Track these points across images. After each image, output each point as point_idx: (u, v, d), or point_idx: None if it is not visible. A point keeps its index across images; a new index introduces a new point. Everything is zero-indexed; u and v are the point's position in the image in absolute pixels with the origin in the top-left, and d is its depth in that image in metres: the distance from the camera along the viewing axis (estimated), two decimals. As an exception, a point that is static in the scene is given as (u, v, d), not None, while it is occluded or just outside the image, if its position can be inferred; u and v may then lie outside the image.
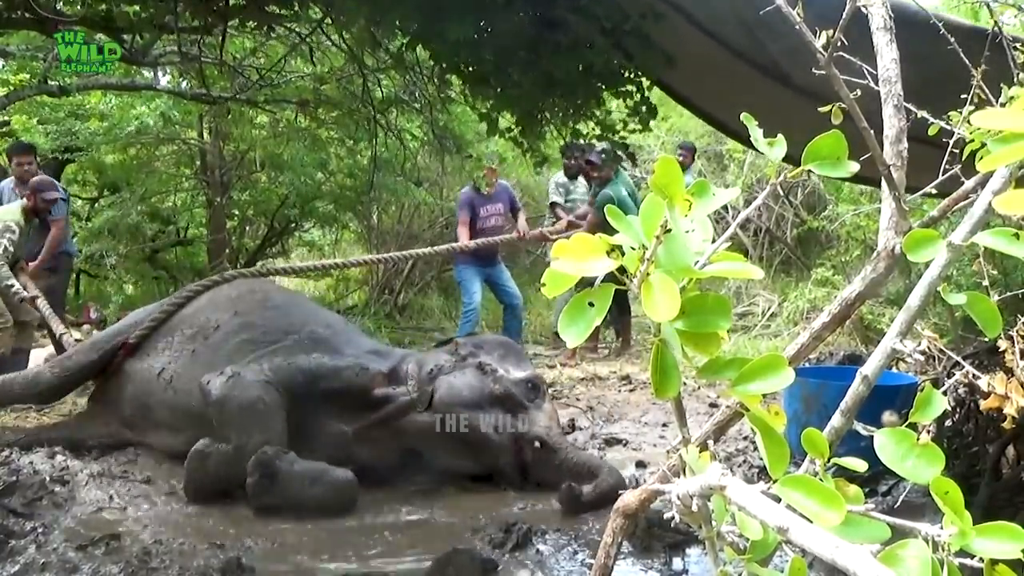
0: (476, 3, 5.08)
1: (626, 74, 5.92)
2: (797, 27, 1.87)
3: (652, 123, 6.56)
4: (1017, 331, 2.57)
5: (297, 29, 7.93)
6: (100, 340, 5.66)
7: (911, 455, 1.22)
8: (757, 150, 1.44)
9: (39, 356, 7.30)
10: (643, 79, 5.97)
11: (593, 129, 6.65)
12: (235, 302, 5.38)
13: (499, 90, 6.07)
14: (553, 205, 10.03)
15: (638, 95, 6.06)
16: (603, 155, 8.11)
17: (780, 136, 1.48)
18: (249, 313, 5.26)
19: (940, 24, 2.90)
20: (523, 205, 9.83)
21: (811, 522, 1.00)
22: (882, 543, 1.00)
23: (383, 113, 9.02)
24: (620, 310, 8.93)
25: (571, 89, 5.95)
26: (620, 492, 2.15)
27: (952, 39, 2.72)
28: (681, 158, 9.97)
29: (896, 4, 2.40)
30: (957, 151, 2.16)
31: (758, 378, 1.19)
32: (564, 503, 4.29)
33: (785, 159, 1.46)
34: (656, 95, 6.34)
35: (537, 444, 4.64)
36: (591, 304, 1.17)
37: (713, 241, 1.25)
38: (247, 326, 5.16)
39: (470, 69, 6.09)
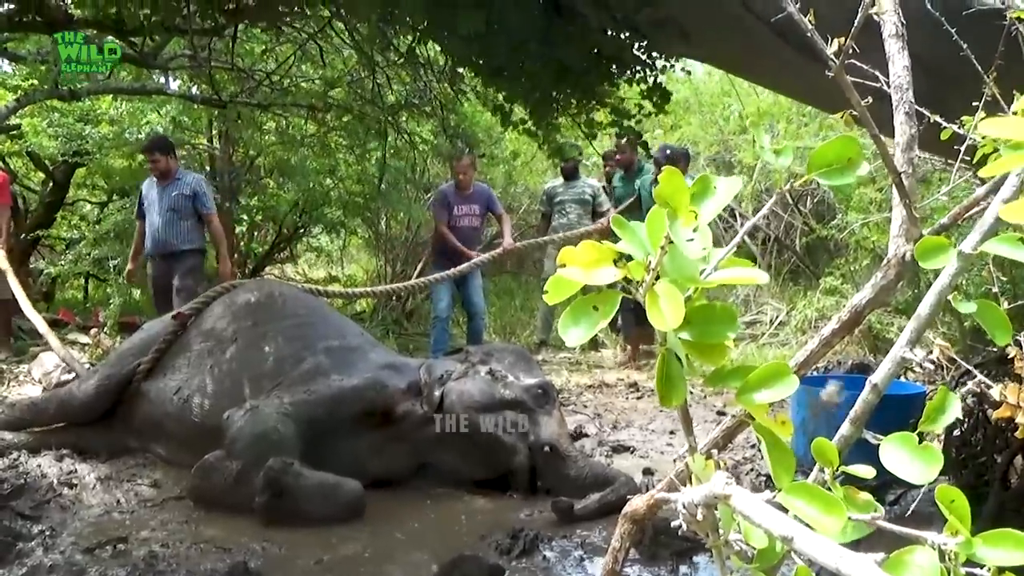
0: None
1: (641, 55, 5.92)
2: (809, 34, 1.87)
3: (664, 113, 6.59)
4: (1024, 338, 2.56)
5: (307, 29, 7.95)
6: (125, 353, 5.61)
7: (909, 457, 1.22)
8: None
9: (49, 360, 7.33)
10: (655, 62, 5.98)
11: (607, 116, 6.65)
12: (255, 310, 5.36)
13: (511, 81, 6.08)
14: (542, 215, 10.20)
15: (652, 77, 6.08)
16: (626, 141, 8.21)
17: (786, 146, 1.48)
18: (268, 322, 5.25)
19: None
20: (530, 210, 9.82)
21: (814, 530, 1.00)
22: (888, 552, 1.00)
23: (394, 117, 9.04)
24: (638, 319, 8.84)
25: (584, 77, 5.95)
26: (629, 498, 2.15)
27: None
28: (607, 169, 10.15)
29: None
30: (969, 158, 2.15)
31: (763, 387, 1.19)
32: (557, 515, 4.29)
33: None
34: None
35: (547, 449, 4.65)
36: (595, 308, 1.17)
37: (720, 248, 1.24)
38: (265, 337, 5.15)
39: (481, 62, 6.09)
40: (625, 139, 8.29)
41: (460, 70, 7.15)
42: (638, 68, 6.08)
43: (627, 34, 5.57)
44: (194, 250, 7.71)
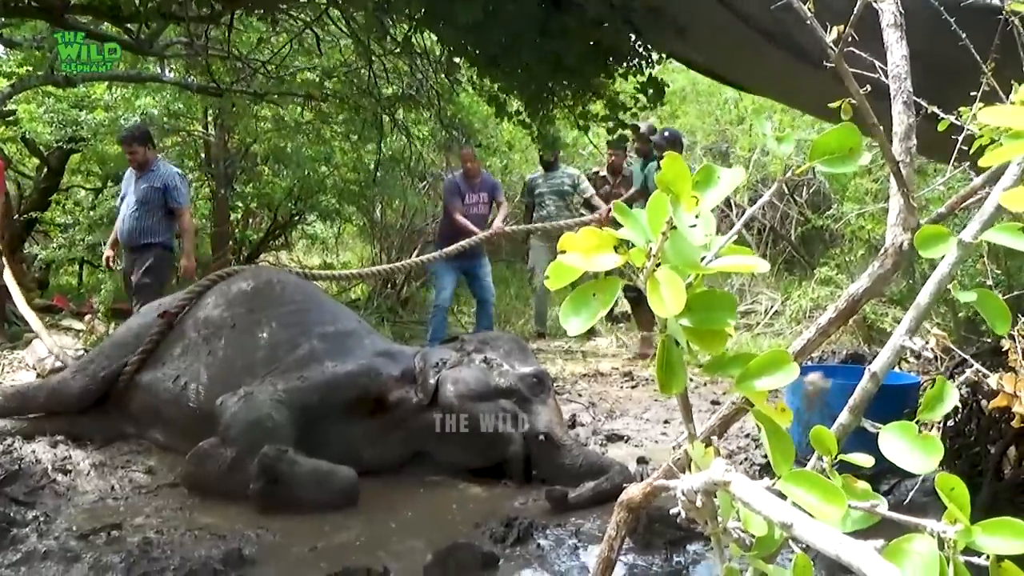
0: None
1: (637, 47, 5.92)
2: (808, 23, 1.87)
3: (660, 105, 6.60)
4: (1018, 330, 2.57)
5: (303, 17, 7.92)
6: (120, 341, 5.57)
7: (911, 447, 1.21)
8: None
9: (42, 346, 7.31)
10: (651, 54, 5.97)
11: (603, 109, 6.64)
12: (251, 298, 5.35)
13: (507, 71, 6.06)
14: (525, 207, 10.18)
15: (648, 70, 6.07)
16: (650, 130, 8.12)
17: (788, 132, 1.48)
18: (264, 309, 5.24)
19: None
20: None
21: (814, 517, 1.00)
22: (887, 539, 1.00)
23: (390, 108, 9.00)
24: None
25: (581, 69, 5.94)
26: (624, 487, 2.15)
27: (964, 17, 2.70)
28: (613, 159, 9.97)
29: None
30: (966, 148, 2.15)
31: (763, 374, 1.19)
32: (551, 503, 4.29)
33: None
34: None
35: (542, 438, 4.65)
36: (595, 295, 1.17)
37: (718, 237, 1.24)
38: (260, 324, 5.15)
39: (477, 52, 6.07)
40: (636, 132, 8.25)
41: (456, 60, 7.12)
42: (634, 61, 6.07)
43: (624, 26, 5.55)
44: (157, 244, 7.53)
